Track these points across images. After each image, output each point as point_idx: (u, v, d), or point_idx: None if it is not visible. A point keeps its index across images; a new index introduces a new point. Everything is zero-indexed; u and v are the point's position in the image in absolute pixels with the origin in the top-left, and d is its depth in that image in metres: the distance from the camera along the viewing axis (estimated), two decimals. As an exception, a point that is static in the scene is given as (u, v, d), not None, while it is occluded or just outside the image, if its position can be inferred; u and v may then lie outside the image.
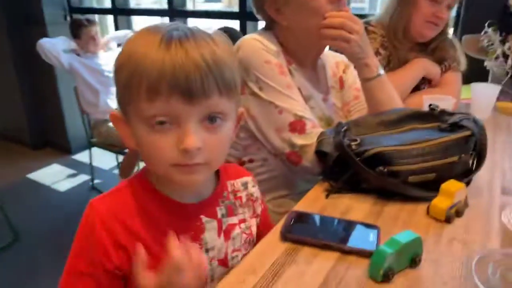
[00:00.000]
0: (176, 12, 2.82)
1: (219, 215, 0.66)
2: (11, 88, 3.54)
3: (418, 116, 0.92)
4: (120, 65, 0.53)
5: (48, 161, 3.42)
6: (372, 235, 0.68)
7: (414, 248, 0.62)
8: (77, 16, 3.30)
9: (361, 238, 0.68)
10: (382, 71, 0.99)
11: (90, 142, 2.79)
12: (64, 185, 3.02)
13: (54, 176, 3.19)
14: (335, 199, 0.84)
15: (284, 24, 0.98)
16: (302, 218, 0.74)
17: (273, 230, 0.72)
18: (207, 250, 0.63)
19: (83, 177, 3.12)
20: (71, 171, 3.26)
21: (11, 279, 1.97)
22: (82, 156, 3.45)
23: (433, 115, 0.92)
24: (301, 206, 0.81)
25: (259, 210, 0.75)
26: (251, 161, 1.04)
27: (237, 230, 0.68)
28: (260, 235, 0.74)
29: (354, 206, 0.81)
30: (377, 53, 1.35)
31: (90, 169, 2.98)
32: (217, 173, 0.68)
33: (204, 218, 0.63)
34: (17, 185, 3.02)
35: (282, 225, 0.71)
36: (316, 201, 0.83)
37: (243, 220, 0.70)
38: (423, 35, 1.35)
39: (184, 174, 0.55)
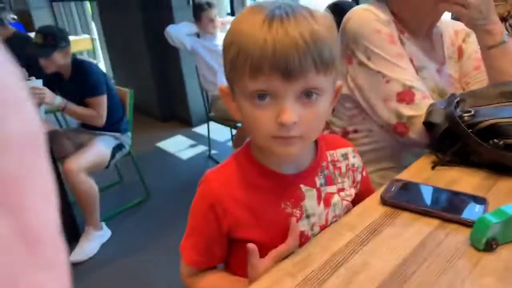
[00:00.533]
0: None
1: (317, 184, 0.70)
2: (145, 68, 4.05)
3: (546, 87, 0.84)
4: (227, 44, 0.58)
5: (174, 132, 3.87)
6: (478, 207, 0.67)
7: (525, 222, 0.59)
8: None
9: (465, 209, 0.67)
10: (506, 38, 0.91)
11: (208, 116, 3.06)
12: (186, 154, 3.39)
13: (178, 145, 3.59)
14: (441, 171, 0.82)
15: None
16: (404, 185, 0.76)
17: (373, 195, 0.76)
18: (308, 216, 0.69)
19: (202, 148, 3.45)
20: (192, 142, 3.63)
21: (144, 229, 2.34)
22: (201, 129, 3.81)
23: None
24: (405, 175, 0.82)
25: (358, 178, 0.77)
26: (355, 131, 1.06)
27: (336, 198, 0.71)
28: (359, 199, 0.77)
29: (462, 179, 0.79)
30: (510, 16, 1.24)
31: (207, 140, 3.29)
32: (317, 144, 0.72)
33: (303, 187, 0.69)
34: (149, 152, 3.49)
35: (383, 190, 0.74)
36: (420, 172, 0.83)
37: (341, 189, 0.73)
38: None
39: (281, 145, 0.59)
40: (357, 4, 2.34)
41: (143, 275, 2.00)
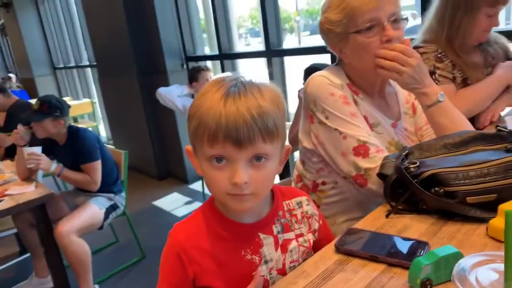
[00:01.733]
0: (273, 52, 3.09)
1: (274, 232, 0.78)
2: (142, 129, 4.21)
3: (483, 138, 0.93)
4: (190, 115, 0.70)
5: (170, 190, 3.94)
6: (420, 250, 0.73)
7: (455, 262, 0.65)
8: (192, 63, 3.84)
9: (408, 253, 0.73)
10: (442, 98, 1.03)
11: (201, 172, 3.15)
12: (181, 211, 3.44)
13: (174, 203, 3.65)
14: (395, 219, 0.89)
15: (347, 62, 1.10)
16: (356, 233, 0.83)
17: (329, 244, 0.82)
18: (266, 262, 0.76)
19: (197, 204, 3.51)
20: (188, 199, 3.69)
21: (140, 287, 2.34)
22: (197, 185, 3.88)
23: (501, 136, 0.92)
24: (361, 224, 0.89)
25: (315, 225, 0.85)
26: (323, 183, 1.15)
27: (293, 244, 0.79)
28: (319, 247, 0.84)
29: (412, 225, 0.86)
30: (435, 68, 1.43)
31: (202, 196, 3.35)
32: (273, 195, 0.82)
33: (261, 235, 0.77)
34: (144, 210, 3.54)
35: (337, 239, 0.81)
36: (376, 220, 0.90)
37: (300, 235, 0.81)
38: (479, 40, 1.45)
39: (236, 201, 0.69)
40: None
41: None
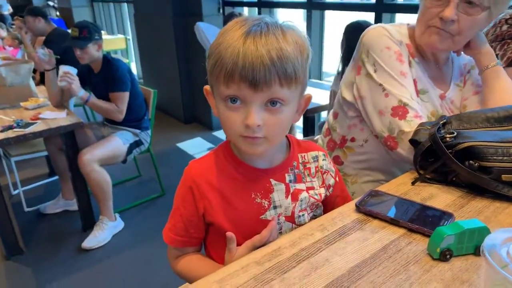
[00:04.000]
0: (314, 4, 2.95)
1: (287, 180, 0.78)
2: (172, 71, 4.21)
3: (531, 116, 0.87)
4: (210, 53, 0.68)
5: (194, 134, 4.00)
6: (444, 221, 0.71)
7: (480, 237, 0.63)
8: (229, 9, 3.73)
9: (431, 221, 0.71)
10: (500, 63, 1.00)
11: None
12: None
13: (198, 147, 3.71)
14: (421, 187, 0.87)
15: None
16: (379, 196, 0.81)
17: (349, 203, 0.81)
18: (275, 207, 0.77)
19: (219, 151, 3.55)
20: (211, 145, 3.74)
21: (155, 224, 2.44)
22: (221, 133, 3.92)
23: (551, 116, 0.86)
24: (386, 187, 0.87)
25: (330, 181, 0.84)
26: (353, 140, 1.13)
27: (304, 194, 0.79)
28: (336, 204, 0.84)
29: (438, 195, 0.83)
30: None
31: (225, 144, 3.38)
32: (290, 146, 0.81)
33: (273, 181, 0.77)
34: (169, 151, 3.62)
35: (359, 198, 0.80)
36: (401, 185, 0.88)
37: (311, 188, 0.81)
38: None
39: (248, 144, 0.68)
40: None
41: (148, 265, 2.09)
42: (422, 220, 0.72)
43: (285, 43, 0.64)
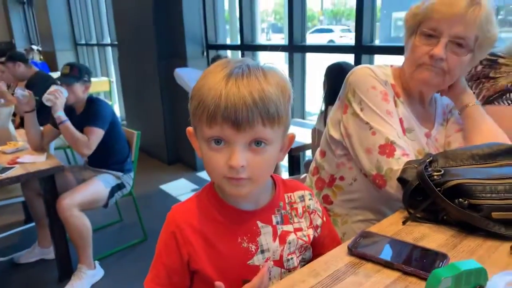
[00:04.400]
0: (296, 47, 3.04)
1: (274, 222, 0.76)
2: (156, 112, 4.21)
3: (515, 152, 0.88)
4: (192, 95, 0.68)
5: (178, 176, 3.94)
6: (438, 262, 0.69)
7: (477, 279, 0.61)
8: (212, 52, 3.81)
9: (425, 263, 0.69)
10: (478, 103, 1.04)
11: (211, 161, 3.13)
12: (187, 197, 3.42)
13: (181, 189, 3.64)
14: (412, 227, 0.85)
15: (404, 61, 1.09)
16: (371, 236, 0.79)
17: (342, 245, 0.79)
18: (262, 251, 0.74)
19: (203, 193, 3.49)
20: (195, 186, 3.68)
21: (138, 270, 2.32)
22: (205, 174, 3.87)
23: (534, 153, 0.87)
24: (377, 228, 0.85)
25: (318, 221, 0.82)
26: (342, 178, 1.12)
27: (292, 236, 0.77)
28: (324, 245, 0.82)
29: (430, 235, 0.81)
30: (508, 89, 1.31)
31: (209, 185, 3.33)
32: (275, 186, 0.79)
33: (259, 223, 0.75)
34: (151, 194, 3.54)
35: (351, 240, 0.77)
36: (392, 225, 0.86)
37: (299, 229, 0.79)
38: None
39: (232, 186, 0.67)
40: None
41: (130, 317, 1.97)
42: (417, 262, 0.70)
43: (266, 84, 0.64)
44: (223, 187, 0.69)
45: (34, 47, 8.05)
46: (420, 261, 0.70)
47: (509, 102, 1.29)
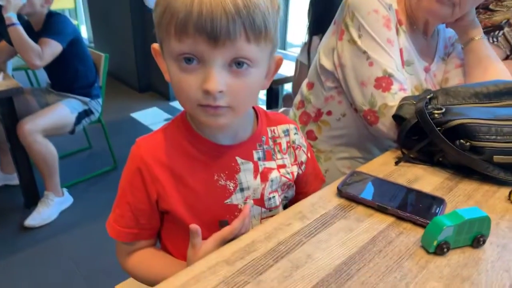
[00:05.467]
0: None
1: (255, 158, 0.67)
2: (126, 35, 3.89)
3: (522, 92, 0.81)
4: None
5: (150, 104, 3.76)
6: (435, 207, 0.64)
7: (480, 227, 0.56)
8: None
9: (422, 208, 0.64)
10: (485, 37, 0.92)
11: (186, 90, 2.97)
12: (159, 127, 3.31)
13: (153, 117, 3.50)
14: (405, 167, 0.79)
15: None
16: (362, 178, 0.72)
17: (330, 185, 0.72)
18: (242, 189, 0.66)
19: (177, 122, 3.37)
20: (167, 116, 3.54)
21: (107, 198, 2.27)
22: (178, 103, 3.71)
23: (543, 93, 0.80)
24: (366, 168, 0.79)
25: (303, 157, 0.75)
26: (329, 113, 1.03)
27: (275, 174, 0.69)
28: (308, 183, 0.76)
29: (424, 177, 0.76)
30: (508, 24, 1.21)
31: (183, 115, 3.21)
32: (258, 118, 0.69)
33: (239, 159, 0.66)
34: (122, 121, 3.38)
35: (340, 181, 0.70)
36: (384, 166, 0.80)
37: (282, 166, 0.70)
38: None
39: (208, 115, 0.56)
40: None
41: (99, 244, 1.94)
42: (412, 207, 0.64)
43: None
44: (198, 117, 0.57)
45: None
46: (416, 206, 0.65)
47: (495, 40, 1.21)
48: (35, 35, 2.04)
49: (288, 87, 2.99)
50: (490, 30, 1.25)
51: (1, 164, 2.35)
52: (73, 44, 2.11)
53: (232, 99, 0.55)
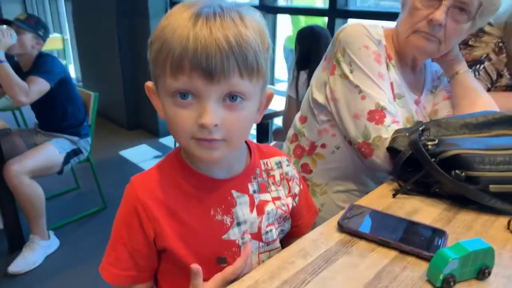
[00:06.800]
0: (267, 8, 2.88)
1: (250, 191, 0.67)
2: (115, 73, 3.93)
3: (511, 121, 0.83)
4: (152, 39, 0.55)
5: (139, 142, 3.74)
6: (437, 239, 0.64)
7: (484, 259, 0.56)
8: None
9: (424, 241, 0.63)
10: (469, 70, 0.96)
11: (175, 127, 2.97)
12: (149, 164, 3.25)
13: (142, 155, 3.47)
14: (402, 200, 0.79)
15: (398, 21, 0.99)
16: (362, 212, 0.72)
17: (329, 220, 0.71)
18: (238, 224, 0.65)
19: (167, 159, 3.35)
20: (157, 153, 3.52)
21: (96, 240, 2.20)
22: (167, 140, 3.71)
23: (531, 122, 0.82)
24: (365, 201, 0.79)
25: (296, 189, 0.74)
26: (323, 146, 1.04)
27: (270, 206, 0.68)
28: (302, 215, 0.76)
29: (422, 209, 0.76)
30: (488, 59, 1.26)
31: (173, 152, 3.19)
32: (250, 151, 0.70)
33: (235, 193, 0.65)
34: (111, 160, 3.35)
35: (340, 216, 0.70)
36: (381, 199, 0.80)
37: (277, 198, 0.70)
38: None
39: (203, 148, 0.56)
40: (332, 30, 2.38)
41: (88, 290, 1.86)
42: (415, 240, 0.64)
43: (244, 28, 0.53)
44: (192, 151, 0.58)
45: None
46: (418, 238, 0.64)
47: (476, 73, 1.26)
48: (23, 75, 2.04)
49: (277, 122, 3.02)
50: (471, 65, 1.30)
51: (-15, 208, 2.27)
52: (62, 84, 2.12)
53: (227, 132, 0.56)
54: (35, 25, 2.06)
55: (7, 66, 1.92)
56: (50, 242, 2.12)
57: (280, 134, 2.52)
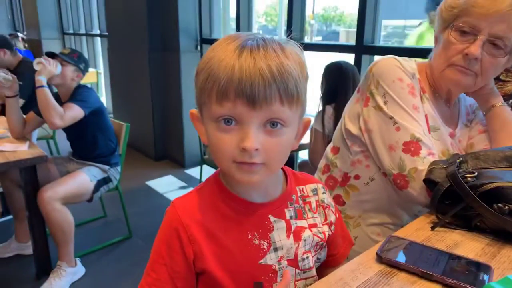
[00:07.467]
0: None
1: (287, 216, 0.67)
2: (145, 106, 4.07)
3: (552, 155, 0.81)
4: (199, 70, 0.59)
5: (165, 172, 3.80)
6: (482, 274, 0.61)
7: (535, 295, 0.53)
8: (206, 46, 3.71)
9: (468, 275, 0.61)
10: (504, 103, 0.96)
11: (203, 159, 3.02)
12: (174, 194, 3.30)
13: (169, 186, 3.51)
14: (441, 233, 0.77)
15: (432, 56, 1.00)
16: (401, 243, 0.70)
17: (367, 251, 0.70)
18: (275, 249, 0.65)
19: (192, 190, 3.38)
20: (183, 184, 3.56)
21: (121, 269, 2.21)
22: (193, 171, 3.76)
23: None
24: (402, 234, 0.77)
25: (332, 218, 0.74)
26: (357, 177, 1.03)
27: (307, 233, 0.68)
28: (338, 245, 0.75)
29: (463, 243, 0.73)
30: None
31: (199, 182, 3.21)
32: (287, 177, 0.71)
33: (272, 218, 0.66)
34: (138, 189, 3.41)
35: (378, 246, 0.69)
36: (420, 231, 0.78)
37: (314, 225, 0.70)
38: None
39: (243, 172, 0.58)
40: (359, 66, 2.42)
41: (112, 320, 1.85)
42: (458, 274, 0.61)
43: (285, 58, 0.56)
44: (232, 174, 0.60)
45: (19, 34, 7.78)
46: (461, 272, 0.62)
47: (509, 108, 1.24)
48: (61, 105, 2.15)
49: (302, 155, 3.02)
50: (504, 99, 1.29)
51: (16, 233, 2.33)
52: (96, 114, 2.22)
53: (266, 157, 0.58)
54: (77, 59, 2.20)
55: (47, 90, 2.04)
56: (77, 269, 2.14)
57: (306, 167, 2.52)
